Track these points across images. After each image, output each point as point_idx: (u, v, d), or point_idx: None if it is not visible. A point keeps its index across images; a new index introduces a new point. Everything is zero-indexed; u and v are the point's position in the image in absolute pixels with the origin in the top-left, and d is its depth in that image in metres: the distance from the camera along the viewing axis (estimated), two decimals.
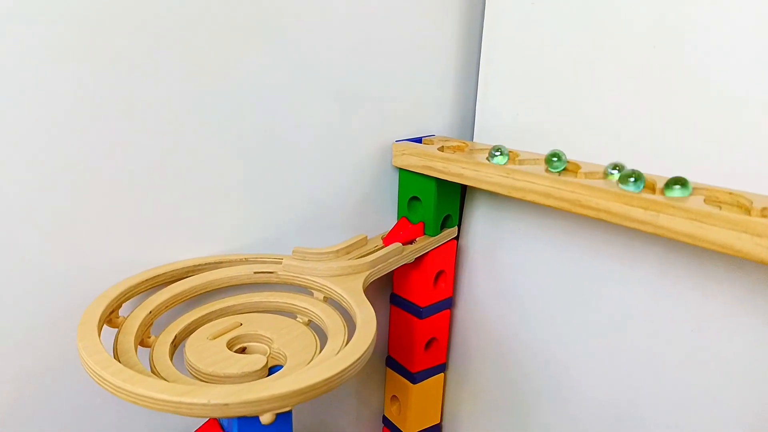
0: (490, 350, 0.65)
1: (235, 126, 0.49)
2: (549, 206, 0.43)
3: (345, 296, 0.47)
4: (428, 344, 0.65)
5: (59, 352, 0.46)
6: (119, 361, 0.39)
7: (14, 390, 0.45)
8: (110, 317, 0.43)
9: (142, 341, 0.44)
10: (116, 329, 0.43)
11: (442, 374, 0.68)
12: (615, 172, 0.42)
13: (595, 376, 0.55)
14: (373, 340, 0.40)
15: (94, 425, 0.49)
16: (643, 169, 0.43)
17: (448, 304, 0.64)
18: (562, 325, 0.57)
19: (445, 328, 0.66)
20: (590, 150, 0.50)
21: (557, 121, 0.53)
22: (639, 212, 0.38)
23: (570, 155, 0.49)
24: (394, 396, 0.68)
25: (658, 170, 0.44)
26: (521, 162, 0.49)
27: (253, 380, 0.41)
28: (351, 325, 0.45)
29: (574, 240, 0.53)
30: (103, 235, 0.46)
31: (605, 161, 0.47)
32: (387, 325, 0.68)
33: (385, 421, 0.71)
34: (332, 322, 0.45)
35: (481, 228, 0.63)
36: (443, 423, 0.73)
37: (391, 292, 0.65)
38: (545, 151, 0.52)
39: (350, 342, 0.40)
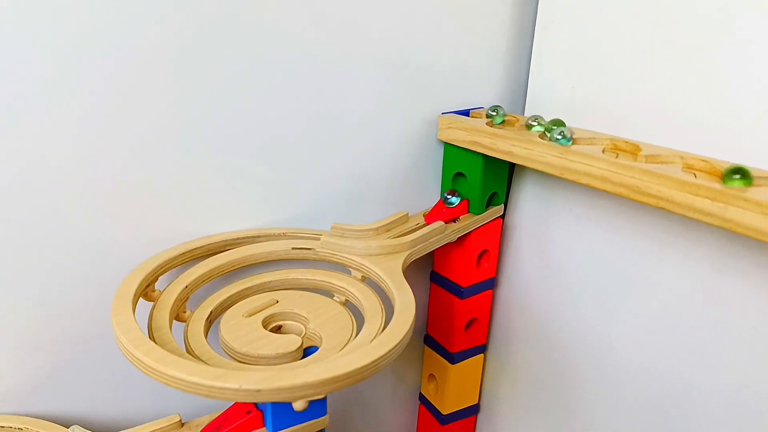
0: (533, 332, 0.63)
1: (275, 96, 0.47)
2: (605, 191, 0.40)
3: (384, 277, 0.45)
4: (468, 324, 0.63)
5: (97, 320, 0.46)
6: (153, 338, 0.39)
7: (52, 356, 0.46)
8: (146, 290, 0.43)
9: (178, 316, 0.43)
10: (152, 303, 0.43)
11: (482, 355, 0.67)
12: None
13: (643, 364, 0.52)
14: (411, 327, 0.39)
15: (130, 392, 0.50)
16: (708, 155, 0.39)
17: (490, 284, 0.62)
18: (611, 310, 0.54)
19: (487, 309, 0.64)
20: (651, 129, 0.46)
21: (617, 96, 0.49)
22: (705, 203, 0.35)
23: (629, 134, 0.45)
24: (431, 375, 0.67)
25: (726, 156, 0.40)
26: (576, 141, 0.46)
27: (287, 362, 0.40)
28: (389, 307, 0.44)
29: (628, 224, 0.50)
30: (141, 206, 0.45)
31: (667, 143, 0.44)
32: (426, 303, 0.66)
33: (422, 398, 0.70)
34: (370, 304, 0.44)
35: (530, 207, 0.60)
36: (481, 403, 0.71)
37: (431, 270, 0.64)
38: (602, 128, 0.49)
39: (387, 328, 0.38)
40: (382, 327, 0.41)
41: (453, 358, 0.63)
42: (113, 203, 0.44)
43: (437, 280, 0.62)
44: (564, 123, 0.46)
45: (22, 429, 0.42)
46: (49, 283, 0.44)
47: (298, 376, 0.33)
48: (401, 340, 0.37)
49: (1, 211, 0.40)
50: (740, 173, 0.35)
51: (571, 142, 0.44)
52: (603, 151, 0.42)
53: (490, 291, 0.63)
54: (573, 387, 0.60)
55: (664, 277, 0.49)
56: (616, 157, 0.42)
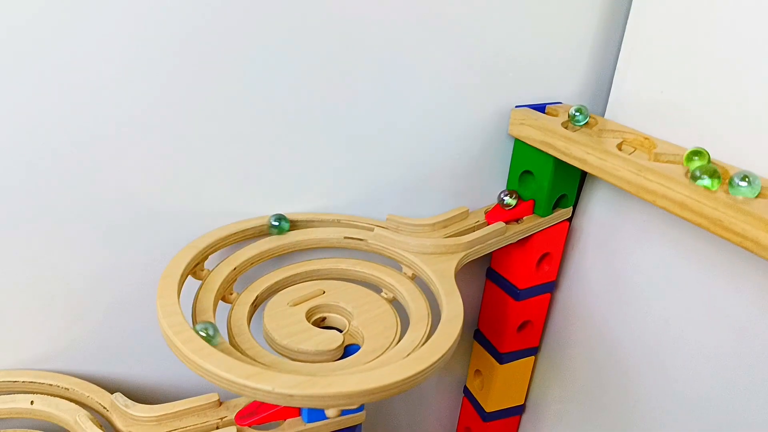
0: (590, 338, 0.60)
1: (339, 74, 0.45)
2: (683, 218, 0.36)
3: (434, 280, 0.43)
4: (522, 326, 0.60)
5: (146, 291, 0.46)
6: (195, 321, 0.39)
7: (101, 321, 0.47)
8: (195, 270, 0.43)
9: (224, 297, 0.43)
10: (200, 281, 0.43)
11: (533, 357, 0.64)
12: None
13: (702, 389, 0.49)
14: (455, 341, 0.37)
15: (172, 366, 0.50)
16: None
17: (549, 287, 0.59)
18: (675, 329, 0.51)
19: (543, 312, 0.61)
20: (745, 153, 0.41)
21: (711, 108, 0.44)
22: None
23: (719, 155, 0.41)
24: (478, 370, 0.66)
25: None
26: (658, 156, 0.42)
27: (326, 360, 0.39)
28: (436, 311, 0.42)
29: (703, 247, 0.46)
30: (198, 180, 0.45)
31: (765, 172, 0.39)
32: (479, 297, 0.64)
33: (466, 391, 0.69)
34: (416, 307, 0.42)
35: (600, 212, 0.56)
36: (527, 404, 0.69)
37: (488, 266, 0.61)
38: (689, 142, 0.45)
39: (430, 340, 0.37)
40: (426, 334, 0.40)
41: (502, 359, 0.61)
42: (171, 175, 0.44)
43: (493, 277, 0.60)
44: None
45: (68, 389, 0.44)
46: (104, 250, 0.44)
47: (331, 385, 0.32)
48: (442, 356, 0.35)
49: (62, 178, 0.41)
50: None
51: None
52: (686, 174, 0.38)
53: (548, 294, 0.60)
54: (625, 399, 0.57)
55: (734, 306, 0.45)
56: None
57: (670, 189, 0.37)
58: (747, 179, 0.34)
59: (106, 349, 0.48)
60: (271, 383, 0.32)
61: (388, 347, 0.39)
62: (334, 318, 0.44)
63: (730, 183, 0.35)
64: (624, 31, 0.51)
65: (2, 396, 0.43)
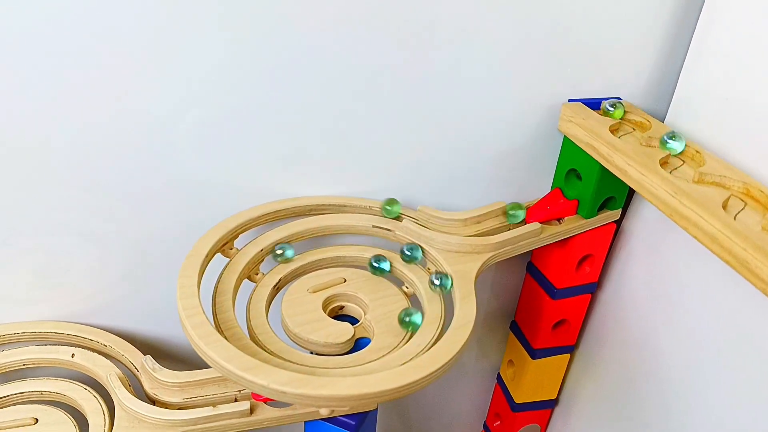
0: (627, 344, 0.58)
1: (381, 55, 0.44)
2: (713, 253, 0.34)
3: (453, 281, 0.43)
4: (557, 325, 0.59)
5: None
6: (215, 303, 0.40)
7: (134, 287, 0.50)
8: (224, 248, 0.45)
9: (250, 276, 0.45)
10: (228, 259, 0.44)
11: (568, 354, 0.63)
12: None
13: (733, 419, 0.47)
14: (460, 350, 0.37)
15: None
16: None
17: (589, 288, 0.57)
18: (714, 348, 0.48)
19: (581, 312, 0.59)
20: None
21: None
22: None
23: None
24: (511, 361, 0.65)
25: None
26: (702, 178, 0.38)
27: (334, 353, 0.40)
28: (450, 312, 0.42)
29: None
30: (237, 155, 0.46)
31: None
32: (519, 289, 0.63)
33: (499, 379, 0.69)
34: (431, 308, 0.42)
35: (652, 216, 0.53)
36: (560, 398, 0.68)
37: (529, 259, 0.60)
38: (747, 161, 0.41)
39: (434, 347, 0.37)
40: (434, 339, 0.40)
41: (534, 354, 0.60)
42: (218, 148, 0.45)
43: (533, 272, 0.58)
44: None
45: (107, 346, 0.47)
46: (155, 214, 0.47)
47: (323, 386, 0.33)
48: (442, 366, 0.35)
49: (118, 140, 0.43)
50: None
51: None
52: (726, 201, 0.35)
53: (588, 295, 0.58)
54: (655, 407, 0.55)
55: None
56: (742, 208, 0.35)
57: (702, 219, 0.34)
58: None
59: (147, 309, 0.51)
60: (267, 379, 0.33)
61: (394, 347, 0.40)
62: (351, 307, 0.44)
63: None
64: (694, 31, 0.47)
65: (48, 346, 0.47)
